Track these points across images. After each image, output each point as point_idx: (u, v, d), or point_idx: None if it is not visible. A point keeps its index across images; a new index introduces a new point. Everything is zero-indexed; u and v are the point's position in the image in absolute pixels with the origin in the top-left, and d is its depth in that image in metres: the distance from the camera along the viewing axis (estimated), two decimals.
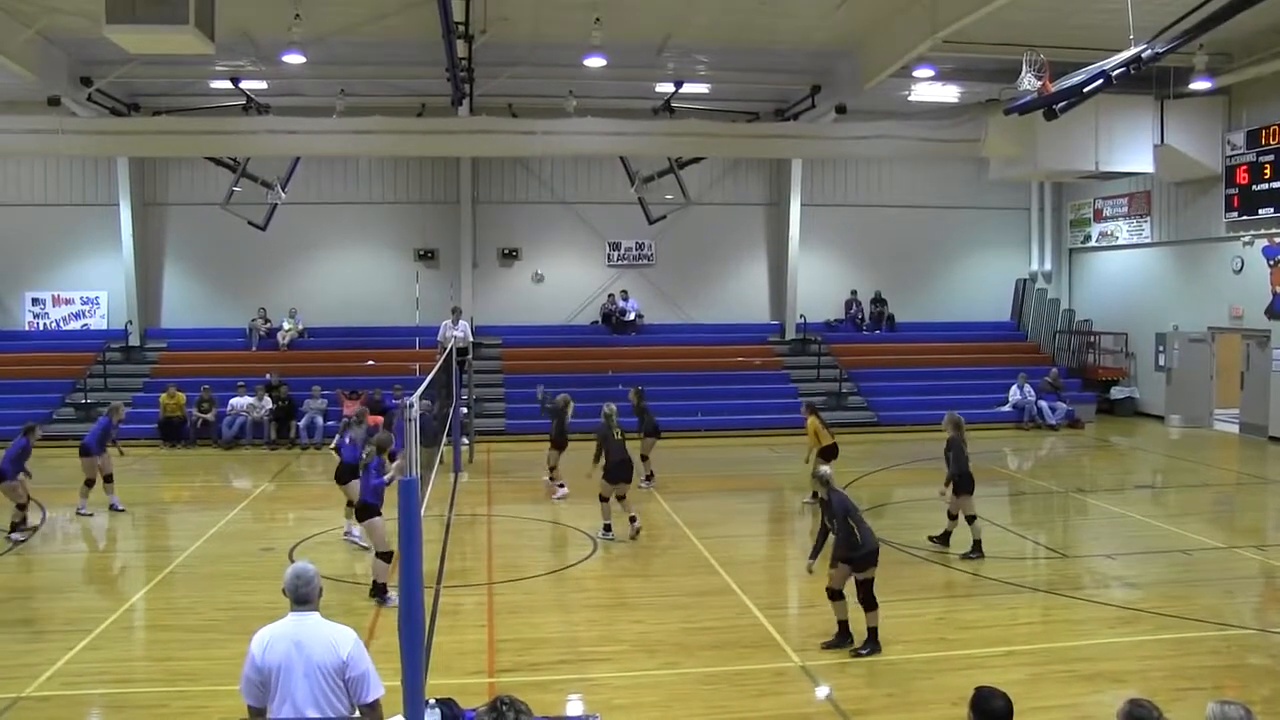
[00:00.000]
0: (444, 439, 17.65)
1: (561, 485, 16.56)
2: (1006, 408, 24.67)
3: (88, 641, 9.60)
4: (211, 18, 13.15)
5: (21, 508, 13.95)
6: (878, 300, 28.08)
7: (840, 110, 22.26)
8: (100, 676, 8.87)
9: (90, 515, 15.07)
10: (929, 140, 22.36)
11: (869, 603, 9.25)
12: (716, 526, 14.77)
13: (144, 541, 14.54)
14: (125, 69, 20.54)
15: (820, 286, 27.82)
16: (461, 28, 17.49)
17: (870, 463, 19.66)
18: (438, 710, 4.31)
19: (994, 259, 29.06)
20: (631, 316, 27.09)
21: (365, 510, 11.02)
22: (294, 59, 19.72)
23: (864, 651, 9.15)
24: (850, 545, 9.20)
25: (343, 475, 13.23)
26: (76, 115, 21.24)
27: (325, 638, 5.04)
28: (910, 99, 23.53)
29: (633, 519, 13.82)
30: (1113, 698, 6.39)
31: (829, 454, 15.00)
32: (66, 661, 9.08)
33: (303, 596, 5.14)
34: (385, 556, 10.70)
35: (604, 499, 13.87)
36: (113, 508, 15.33)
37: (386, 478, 10.96)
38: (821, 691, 8.47)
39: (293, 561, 12.31)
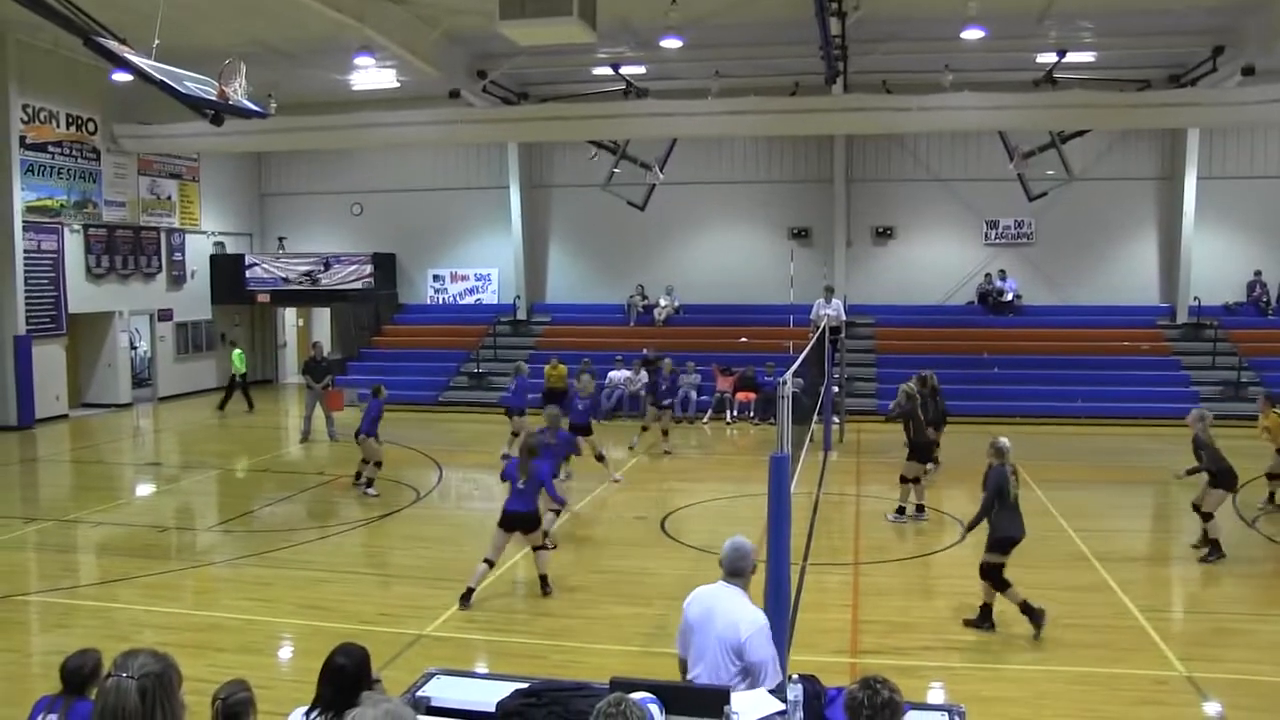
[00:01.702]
0: (815, 417, 17.91)
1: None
2: None
3: (477, 591, 10.52)
4: (593, 8, 14.02)
5: (378, 464, 15.51)
6: None
7: (1247, 72, 20.19)
8: (487, 624, 9.81)
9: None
10: None
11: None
12: (1094, 519, 14.10)
13: None
14: (516, 61, 22.34)
15: (1218, 267, 25.41)
16: (835, 5, 17.48)
17: (1270, 461, 17.92)
18: (800, 685, 4.50)
19: None
20: (1009, 297, 26.10)
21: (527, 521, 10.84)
22: (671, 43, 20.54)
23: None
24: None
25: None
26: (473, 106, 23.27)
27: (731, 614, 5.15)
28: None
29: (920, 507, 13.81)
30: None
31: None
32: (458, 608, 10.12)
33: (737, 569, 5.31)
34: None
35: (904, 480, 13.83)
36: None
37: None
38: (1211, 708, 7.88)
39: (664, 531, 13.17)
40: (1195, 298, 25.21)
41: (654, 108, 22.78)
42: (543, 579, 10.59)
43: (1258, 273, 25.42)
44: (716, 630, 5.12)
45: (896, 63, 22.21)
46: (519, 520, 10.46)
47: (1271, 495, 14.54)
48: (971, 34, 19.61)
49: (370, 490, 15.33)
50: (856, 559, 11.96)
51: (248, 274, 28.45)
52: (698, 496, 15.42)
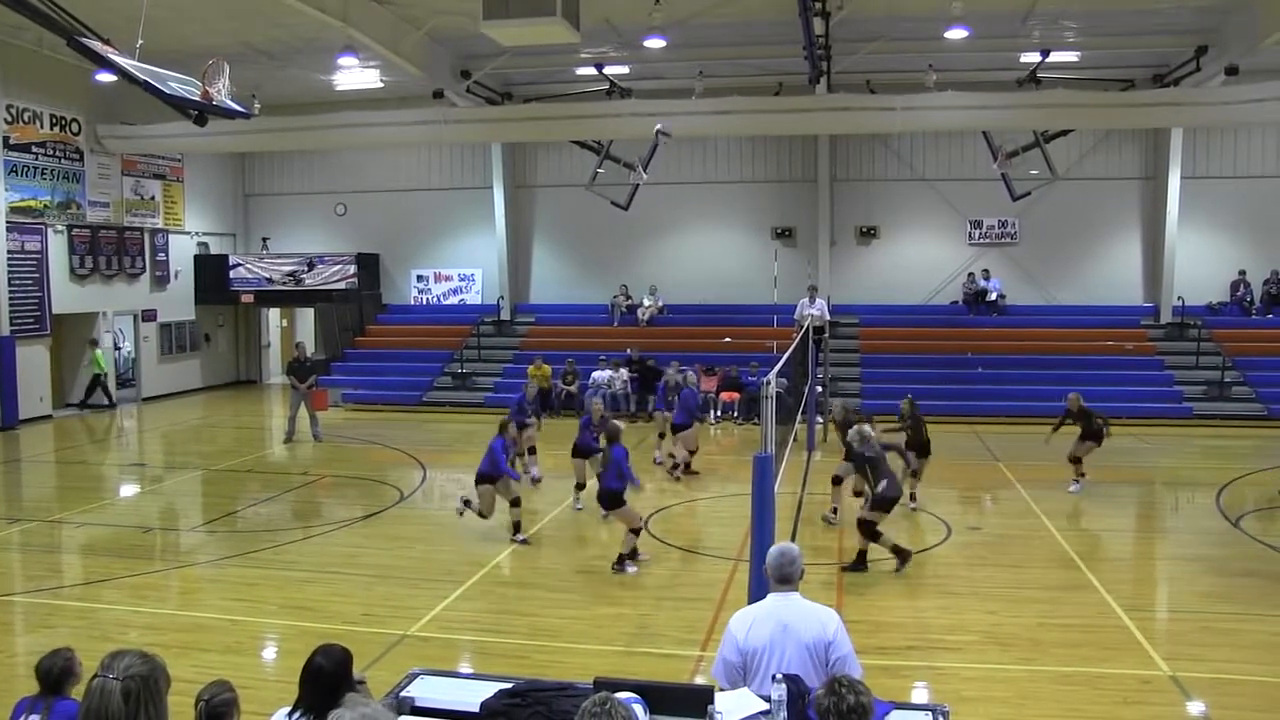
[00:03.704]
0: (798, 417, 17.92)
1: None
2: None
3: (460, 592, 10.69)
4: (577, 8, 14.05)
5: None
6: (1272, 280, 25.44)
7: (1230, 72, 20.29)
8: (470, 624, 9.85)
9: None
10: None
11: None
12: (1078, 519, 14.19)
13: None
14: (499, 61, 22.34)
15: (1201, 266, 25.50)
16: (818, 5, 17.54)
17: (1258, 459, 18.08)
18: (784, 685, 4.50)
19: None
20: (994, 296, 26.21)
21: (614, 498, 11.69)
22: (655, 43, 20.57)
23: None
24: None
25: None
26: (457, 106, 23.25)
27: (810, 617, 5.03)
28: None
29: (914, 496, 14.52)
30: None
31: None
32: (442, 608, 10.15)
33: (786, 576, 5.14)
34: (636, 531, 11.65)
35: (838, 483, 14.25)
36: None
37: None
38: (1194, 707, 7.91)
39: (648, 531, 13.15)
40: (1179, 297, 25.31)
41: (638, 107, 22.79)
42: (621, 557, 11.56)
43: (1241, 272, 25.54)
44: (800, 639, 4.94)
45: (880, 62, 22.30)
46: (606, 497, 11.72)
47: None
48: (955, 34, 19.71)
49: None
50: (840, 559, 11.97)
51: (231, 274, 28.37)
52: (682, 496, 15.43)
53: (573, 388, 23.98)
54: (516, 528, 12.80)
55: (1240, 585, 11.02)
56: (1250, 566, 11.76)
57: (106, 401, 25.26)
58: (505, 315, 28.03)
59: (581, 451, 14.48)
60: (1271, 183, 25.36)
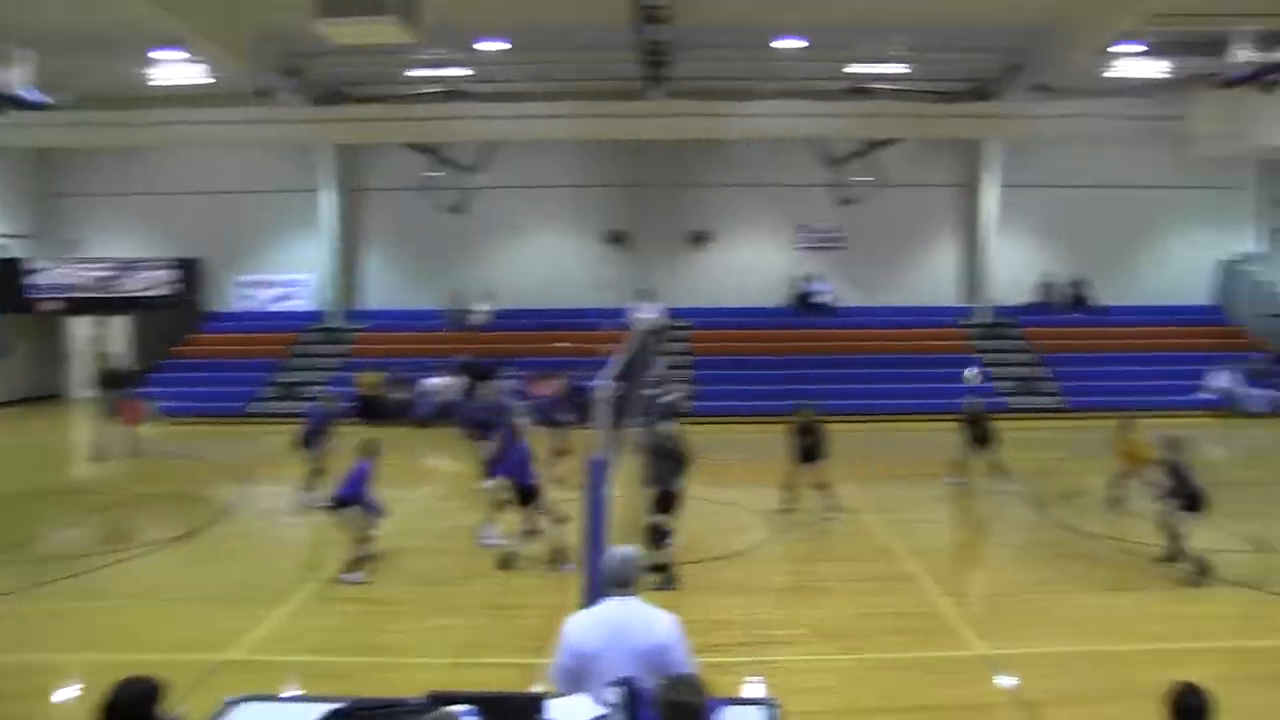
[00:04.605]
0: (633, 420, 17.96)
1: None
2: (1207, 395, 23.47)
3: (285, 611, 10.21)
4: (415, 8, 13.76)
5: None
6: (1074, 282, 27.08)
7: (1039, 88, 21.56)
8: (295, 644, 9.38)
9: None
10: (1133, 118, 21.62)
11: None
12: (901, 511, 14.70)
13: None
14: (332, 59, 21.68)
15: (1014, 270, 27.05)
16: (655, 11, 17.70)
17: (1062, 449, 19.16)
18: (620, 688, 4.50)
19: (1196, 240, 27.73)
20: (825, 299, 26.98)
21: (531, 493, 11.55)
22: (492, 46, 20.35)
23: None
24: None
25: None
26: (286, 105, 22.56)
27: (648, 619, 5.00)
28: (1114, 75, 22.34)
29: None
30: None
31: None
32: (267, 630, 9.68)
33: (623, 580, 5.08)
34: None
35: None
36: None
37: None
38: (1005, 681, 8.36)
39: (479, 540, 12.93)
40: (993, 299, 26.62)
41: (473, 110, 22.57)
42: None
43: (1047, 275, 27.11)
44: (636, 643, 4.91)
45: (714, 69, 22.64)
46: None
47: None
48: (788, 44, 20.11)
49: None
50: (675, 559, 12.04)
51: (31, 280, 26.63)
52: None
53: (405, 396, 23.53)
54: (352, 565, 11.41)
55: (1044, 567, 11.72)
56: (1054, 549, 12.50)
57: None
58: (336, 322, 27.33)
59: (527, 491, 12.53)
60: (1078, 192, 27.10)
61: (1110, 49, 20.21)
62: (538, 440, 13.90)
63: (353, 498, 11.31)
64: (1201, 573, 10.72)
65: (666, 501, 11.23)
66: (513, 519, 12.29)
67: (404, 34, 13.59)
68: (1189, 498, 10.80)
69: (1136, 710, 7.38)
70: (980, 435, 15.77)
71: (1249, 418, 22.97)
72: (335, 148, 26.86)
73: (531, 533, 11.78)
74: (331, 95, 24.27)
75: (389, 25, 13.28)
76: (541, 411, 16.99)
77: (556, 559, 11.42)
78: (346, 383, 23.49)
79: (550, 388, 18.67)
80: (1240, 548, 12.13)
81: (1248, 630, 9.69)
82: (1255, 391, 23.29)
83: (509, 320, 26.95)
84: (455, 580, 11.43)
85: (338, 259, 27.53)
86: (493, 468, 12.54)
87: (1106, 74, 22.25)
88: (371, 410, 23.17)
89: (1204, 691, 4.61)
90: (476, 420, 15.93)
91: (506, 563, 11.55)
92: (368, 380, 23.39)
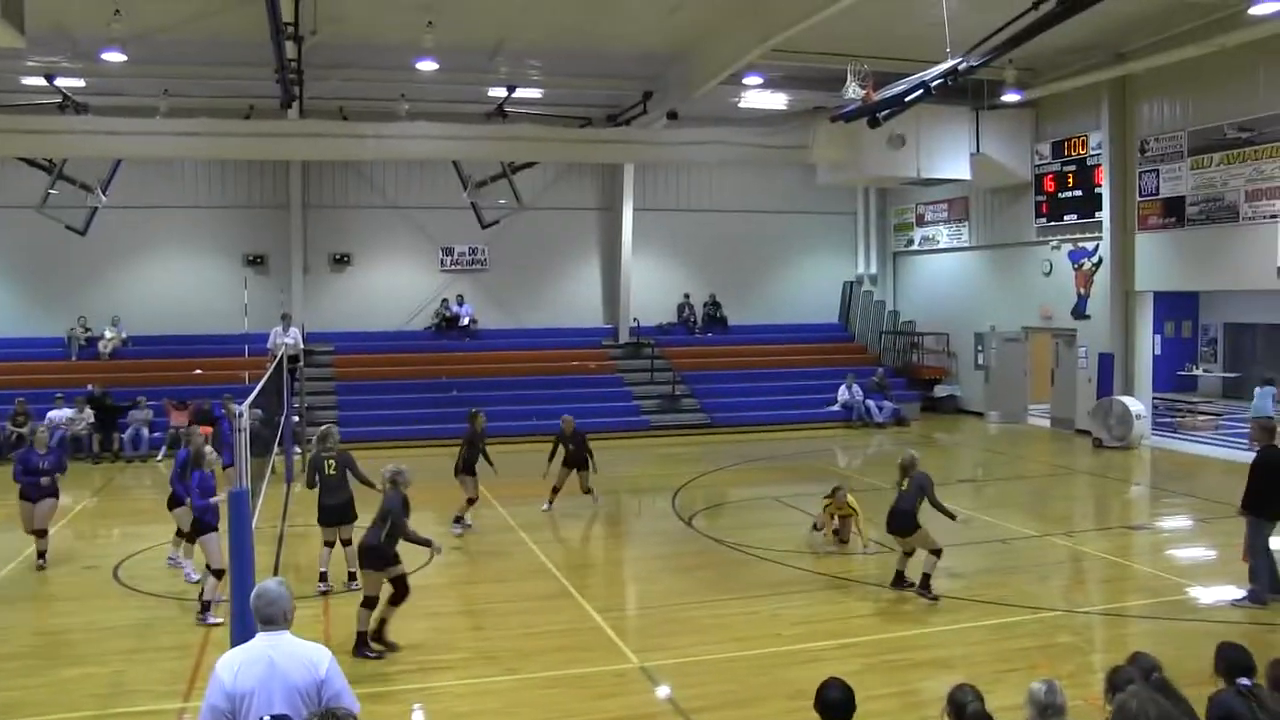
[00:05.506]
0: (275, 449, 17.11)
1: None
2: (835, 407, 25.41)
3: None
4: (20, 8, 12.42)
5: None
6: (711, 303, 28.60)
7: (671, 116, 22.56)
8: None
9: None
10: (759, 146, 22.90)
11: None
12: (551, 530, 14.88)
13: None
14: None
15: (653, 290, 28.17)
16: (291, 28, 16.91)
17: (705, 463, 20.05)
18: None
19: (823, 262, 30.04)
20: (466, 321, 26.84)
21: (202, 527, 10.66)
22: (114, 56, 18.78)
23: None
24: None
25: (174, 503, 12.43)
26: None
27: (300, 657, 4.73)
28: (740, 105, 23.84)
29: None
30: (940, 683, 6.67)
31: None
32: None
33: (268, 616, 4.80)
34: (218, 574, 10.32)
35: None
36: None
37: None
38: (662, 691, 8.59)
39: (117, 580, 11.84)
40: (635, 319, 27.57)
41: (95, 125, 20.63)
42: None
43: (686, 295, 28.51)
44: (290, 680, 4.63)
45: (353, 90, 22.13)
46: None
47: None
48: (426, 65, 19.93)
49: None
50: (327, 589, 11.51)
51: None
52: (153, 540, 14.01)
53: (25, 430, 21.05)
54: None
55: (693, 577, 12.18)
56: (701, 560, 13.05)
57: None
58: None
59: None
60: (710, 215, 28.69)
61: (740, 80, 21.40)
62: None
63: None
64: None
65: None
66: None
67: (6, 36, 12.20)
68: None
69: (788, 708, 7.86)
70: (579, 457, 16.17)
71: (874, 427, 25.04)
72: None
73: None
74: None
75: None
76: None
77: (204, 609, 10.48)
78: None
79: (187, 416, 17.43)
80: (866, 549, 13.17)
81: (882, 624, 10.43)
82: (875, 403, 25.40)
83: (141, 347, 24.89)
84: (92, 625, 10.35)
85: None
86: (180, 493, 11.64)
87: (740, 104, 23.66)
88: None
89: (846, 685, 4.92)
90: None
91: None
92: None
